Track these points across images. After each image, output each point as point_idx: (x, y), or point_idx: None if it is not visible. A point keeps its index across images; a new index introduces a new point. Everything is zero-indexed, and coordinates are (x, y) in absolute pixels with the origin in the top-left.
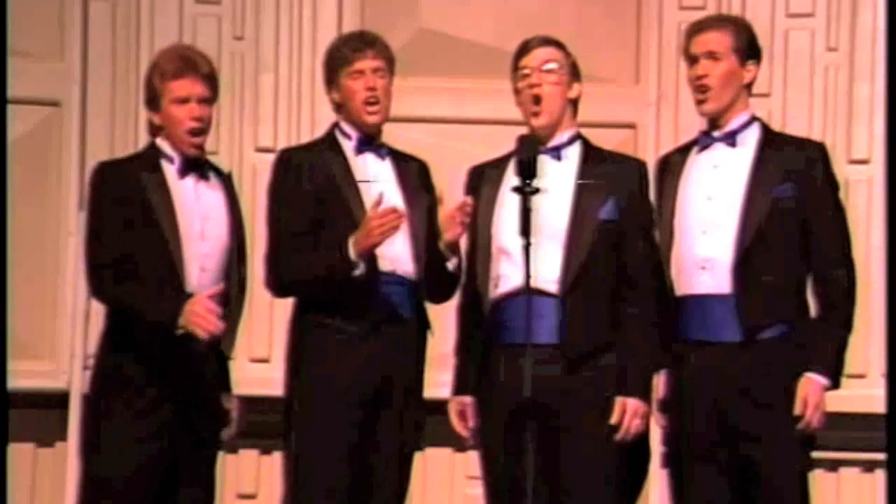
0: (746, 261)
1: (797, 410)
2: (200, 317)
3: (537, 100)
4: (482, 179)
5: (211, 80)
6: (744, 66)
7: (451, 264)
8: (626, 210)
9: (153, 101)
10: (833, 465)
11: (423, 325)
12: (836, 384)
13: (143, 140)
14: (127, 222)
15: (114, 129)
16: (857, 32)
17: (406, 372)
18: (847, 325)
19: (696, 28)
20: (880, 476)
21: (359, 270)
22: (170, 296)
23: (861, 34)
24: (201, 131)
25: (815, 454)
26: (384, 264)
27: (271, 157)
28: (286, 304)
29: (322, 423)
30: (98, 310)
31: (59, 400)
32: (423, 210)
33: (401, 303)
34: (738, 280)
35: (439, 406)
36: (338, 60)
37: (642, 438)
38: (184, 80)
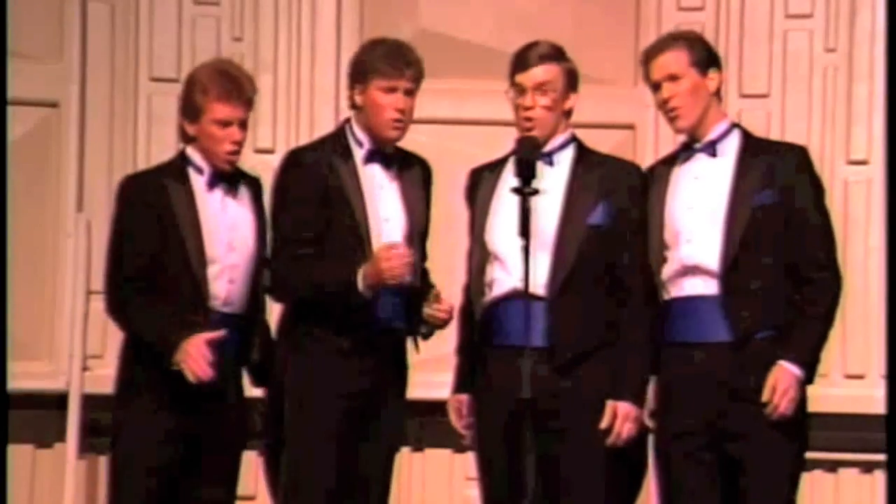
0: (733, 269)
1: (765, 397)
2: (193, 360)
3: (530, 120)
4: (480, 182)
5: (252, 102)
6: (706, 77)
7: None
8: (617, 214)
9: (192, 114)
10: (832, 466)
11: (415, 333)
12: (809, 378)
13: (141, 140)
14: (151, 236)
15: (112, 129)
16: (855, 33)
17: (395, 379)
18: (827, 322)
19: (650, 54)
20: (879, 477)
21: (367, 298)
22: (175, 328)
23: (860, 35)
24: (238, 152)
25: (815, 455)
26: None
27: (270, 159)
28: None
29: (313, 431)
30: (97, 311)
31: (57, 401)
32: (423, 218)
33: (396, 314)
34: (726, 288)
35: (439, 406)
36: (373, 69)
37: (640, 442)
38: (229, 105)
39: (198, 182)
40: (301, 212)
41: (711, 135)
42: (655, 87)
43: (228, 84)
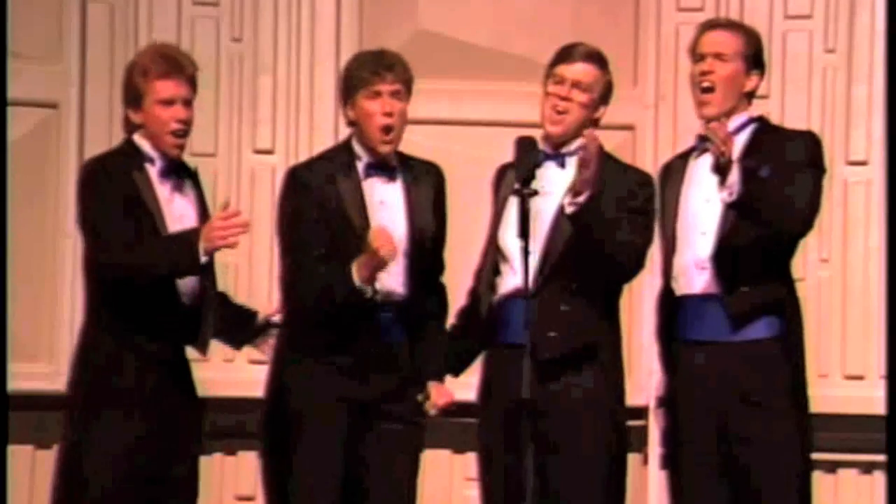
0: (730, 255)
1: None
2: (221, 229)
3: (561, 112)
4: (504, 179)
5: (193, 81)
6: (747, 75)
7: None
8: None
9: (134, 100)
10: (831, 467)
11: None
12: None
13: None
14: (127, 218)
15: (112, 131)
16: (854, 34)
17: (394, 393)
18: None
19: (707, 26)
20: (879, 478)
21: (368, 294)
22: (178, 238)
23: (859, 35)
24: (185, 133)
25: (814, 455)
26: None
27: (270, 159)
28: None
29: (311, 447)
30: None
31: (57, 402)
32: (432, 228)
33: (390, 328)
34: (721, 275)
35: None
36: (356, 80)
37: (622, 436)
38: (170, 82)
39: (152, 171)
40: (309, 232)
41: (730, 127)
42: (698, 58)
43: (167, 62)
